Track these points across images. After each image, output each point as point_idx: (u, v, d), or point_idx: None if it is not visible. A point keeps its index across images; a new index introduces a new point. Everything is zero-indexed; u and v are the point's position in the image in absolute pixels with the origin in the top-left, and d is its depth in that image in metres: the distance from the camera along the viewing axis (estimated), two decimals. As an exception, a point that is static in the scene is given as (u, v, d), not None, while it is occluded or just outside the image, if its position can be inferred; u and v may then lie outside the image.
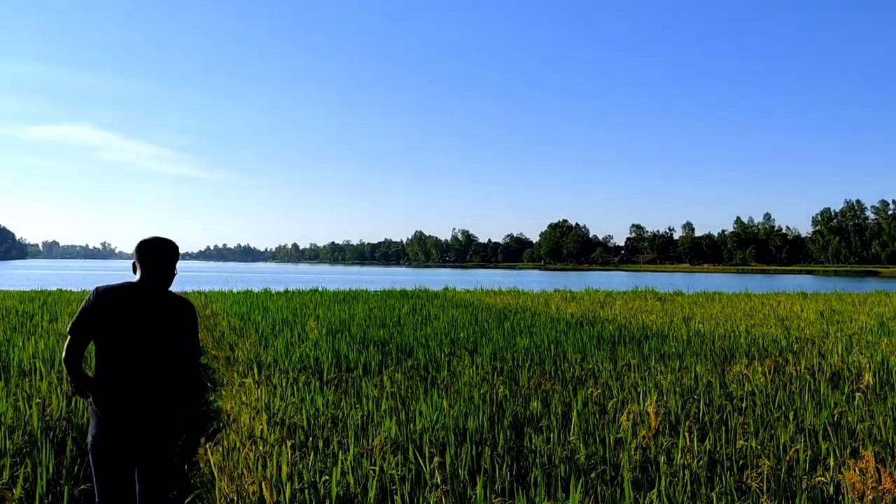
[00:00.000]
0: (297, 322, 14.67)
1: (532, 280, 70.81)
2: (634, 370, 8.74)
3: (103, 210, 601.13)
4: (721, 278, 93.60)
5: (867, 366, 8.83)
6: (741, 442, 5.42)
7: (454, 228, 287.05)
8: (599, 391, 7.26)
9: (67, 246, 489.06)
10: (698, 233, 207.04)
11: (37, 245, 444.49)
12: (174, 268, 3.55)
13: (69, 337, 3.40)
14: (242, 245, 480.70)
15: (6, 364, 8.95)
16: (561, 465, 4.91)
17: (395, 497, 4.52)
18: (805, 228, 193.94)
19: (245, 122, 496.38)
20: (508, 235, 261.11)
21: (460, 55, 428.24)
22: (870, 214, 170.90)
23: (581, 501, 4.26)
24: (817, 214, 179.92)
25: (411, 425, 5.80)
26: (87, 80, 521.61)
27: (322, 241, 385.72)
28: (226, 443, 5.80)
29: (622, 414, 6.18)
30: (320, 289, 29.71)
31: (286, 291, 27.72)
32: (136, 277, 3.50)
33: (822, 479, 4.66)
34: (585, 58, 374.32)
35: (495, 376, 8.27)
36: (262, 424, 5.99)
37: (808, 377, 8.47)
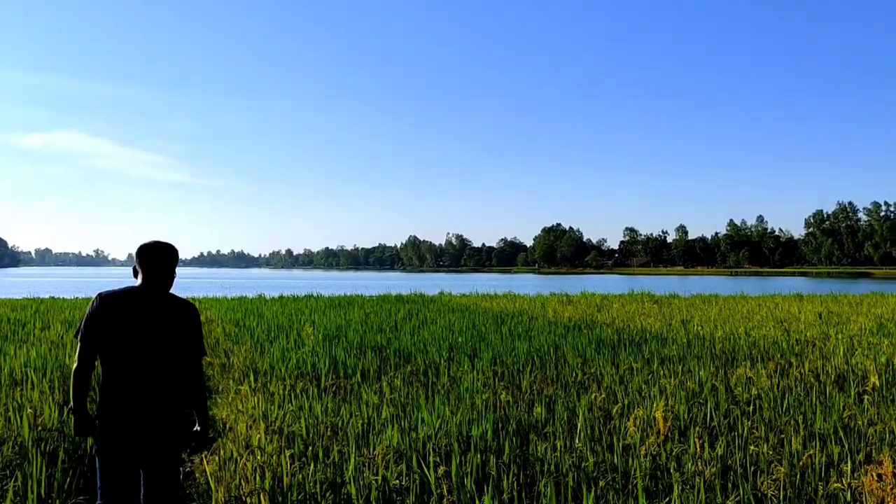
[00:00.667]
0: (293, 328, 14.50)
1: (527, 284, 70.67)
2: (637, 374, 8.60)
3: (96, 217, 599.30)
4: (715, 281, 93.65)
5: (872, 367, 8.72)
6: (752, 448, 5.28)
7: (448, 233, 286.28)
8: (603, 396, 7.12)
9: (60, 253, 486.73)
10: (691, 235, 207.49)
11: (29, 253, 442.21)
12: (174, 271, 3.60)
13: (79, 346, 3.40)
14: (236, 251, 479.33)
15: (-3, 373, 8.75)
16: (570, 474, 4.76)
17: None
18: (798, 230, 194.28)
19: (238, 128, 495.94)
20: (502, 240, 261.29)
21: (454, 61, 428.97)
22: (862, 216, 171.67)
23: (592, 511, 4.12)
24: (810, 216, 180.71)
25: (413, 433, 5.65)
26: (81, 87, 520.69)
27: (316, 247, 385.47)
28: (222, 452, 5.65)
29: (628, 419, 6.05)
30: (315, 294, 29.54)
31: (281, 297, 27.55)
32: (138, 282, 3.53)
33: (839, 485, 4.53)
34: (577, 62, 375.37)
35: (496, 381, 8.13)
36: (259, 433, 5.83)
37: (812, 380, 8.35)
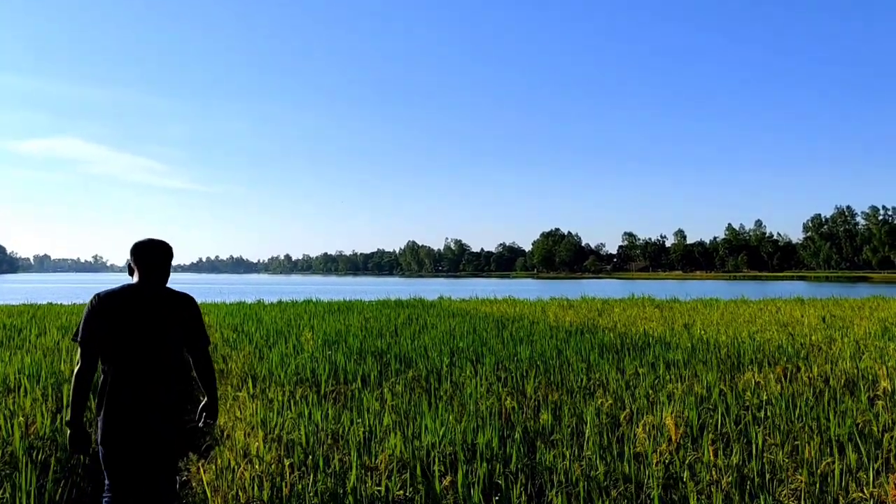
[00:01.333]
0: (292, 333, 14.32)
1: (526, 288, 70.47)
2: (644, 379, 8.44)
3: (95, 223, 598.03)
4: (714, 285, 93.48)
5: (882, 372, 8.56)
6: (767, 455, 5.12)
7: (447, 238, 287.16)
8: (610, 401, 6.95)
9: (59, 259, 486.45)
10: (690, 240, 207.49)
11: (28, 259, 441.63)
12: (169, 267, 3.68)
13: (79, 349, 3.41)
14: (235, 256, 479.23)
15: (-10, 380, 8.57)
16: (580, 483, 4.59)
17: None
18: (796, 235, 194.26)
19: (236, 133, 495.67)
20: (501, 244, 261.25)
21: (453, 66, 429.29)
22: (860, 220, 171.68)
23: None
24: (808, 221, 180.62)
25: (417, 441, 5.48)
26: (78, 93, 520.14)
27: (314, 252, 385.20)
28: (219, 461, 5.48)
29: (637, 426, 5.88)
30: (314, 299, 29.36)
31: (280, 302, 27.35)
32: (134, 280, 3.59)
33: (860, 494, 4.36)
34: (577, 65, 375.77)
35: (500, 387, 7.96)
36: (258, 441, 5.66)
37: (821, 384, 8.19)
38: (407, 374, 8.97)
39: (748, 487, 4.54)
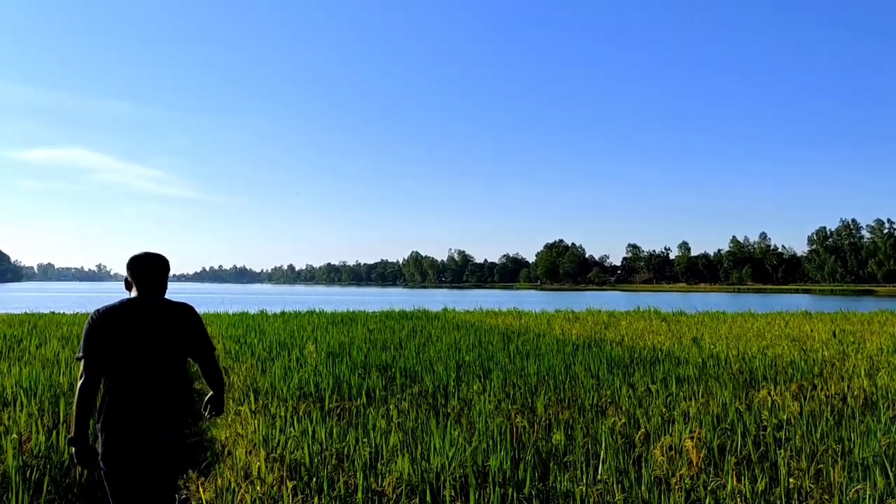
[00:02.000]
0: (295, 345, 14.11)
1: (530, 300, 70.19)
2: (657, 396, 8.21)
3: (98, 232, 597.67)
4: (719, 298, 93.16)
5: (902, 390, 8.32)
6: (792, 480, 4.89)
7: (450, 249, 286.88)
8: (623, 420, 6.73)
9: (62, 268, 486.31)
10: (694, 252, 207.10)
11: (32, 267, 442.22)
12: (166, 279, 3.70)
13: (82, 366, 3.39)
14: (238, 266, 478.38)
15: (-14, 393, 8.38)
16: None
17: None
18: (801, 248, 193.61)
19: (240, 143, 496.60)
20: (504, 255, 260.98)
21: (459, 76, 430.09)
22: (865, 234, 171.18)
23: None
24: (813, 234, 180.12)
25: (425, 462, 5.26)
26: (83, 103, 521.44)
27: (318, 262, 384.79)
28: (219, 480, 5.28)
29: (654, 447, 5.65)
30: (317, 310, 29.16)
31: (283, 313, 27.14)
32: (132, 294, 3.60)
33: (895, 524, 4.14)
34: (579, 76, 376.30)
35: (509, 404, 7.74)
36: (259, 461, 5.45)
37: (839, 403, 7.96)
38: (413, 389, 8.76)
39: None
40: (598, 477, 5.06)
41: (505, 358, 11.94)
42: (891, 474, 5.05)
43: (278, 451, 5.74)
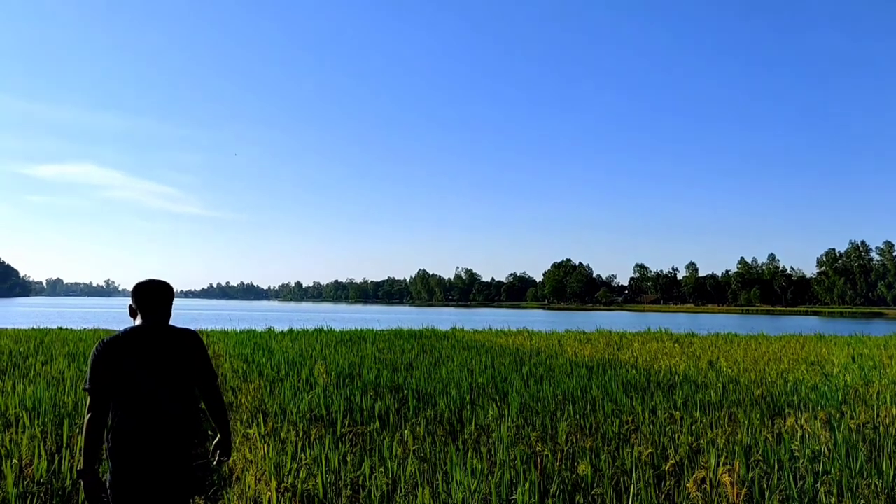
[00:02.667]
0: (305, 365, 13.86)
1: (538, 320, 69.75)
2: (682, 423, 7.91)
3: (107, 248, 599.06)
4: (727, 319, 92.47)
5: (936, 420, 8.00)
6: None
7: (457, 267, 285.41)
8: (650, 450, 6.44)
9: (71, 283, 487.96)
10: (702, 273, 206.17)
11: (41, 283, 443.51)
12: (170, 307, 3.67)
13: (90, 398, 3.38)
14: (245, 283, 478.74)
15: (-11, 413, 8.14)
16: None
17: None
18: (810, 269, 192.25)
19: (249, 160, 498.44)
20: (512, 274, 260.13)
21: (463, 94, 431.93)
22: (875, 256, 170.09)
23: None
24: (822, 255, 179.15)
25: (446, 495, 4.98)
26: (93, 119, 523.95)
27: (325, 280, 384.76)
28: (228, 510, 5.02)
29: (686, 479, 5.37)
30: (325, 328, 28.91)
31: (290, 331, 26.90)
32: (136, 321, 3.58)
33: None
34: (587, 97, 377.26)
35: (529, 430, 7.45)
36: (270, 491, 5.19)
37: (870, 432, 7.65)
38: (427, 413, 8.48)
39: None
40: (630, 513, 4.78)
41: (519, 381, 11.66)
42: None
43: (290, 481, 5.48)
